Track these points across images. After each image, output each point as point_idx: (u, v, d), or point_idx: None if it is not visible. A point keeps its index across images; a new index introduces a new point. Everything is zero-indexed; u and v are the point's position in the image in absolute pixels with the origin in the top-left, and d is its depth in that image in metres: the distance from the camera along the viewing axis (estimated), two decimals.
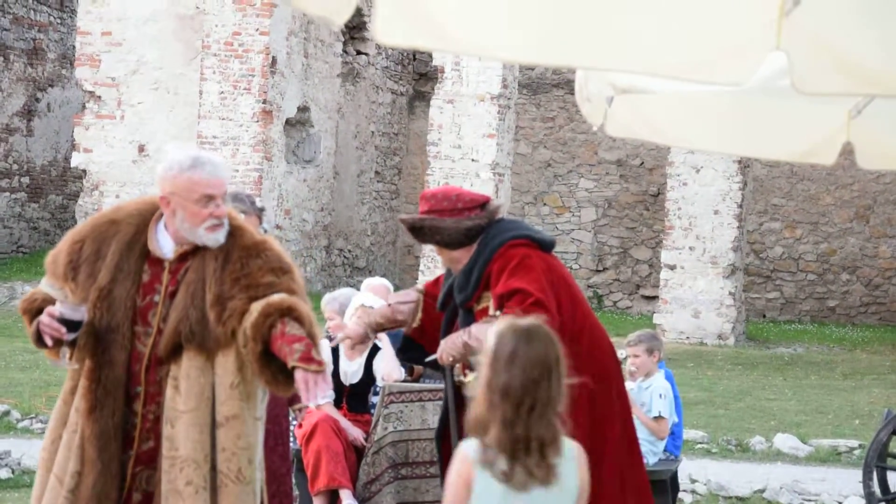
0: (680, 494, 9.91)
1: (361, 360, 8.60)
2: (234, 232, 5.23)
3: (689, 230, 22.42)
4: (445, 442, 6.13)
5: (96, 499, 5.10)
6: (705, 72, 3.80)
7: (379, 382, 8.48)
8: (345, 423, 8.82)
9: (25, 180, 27.42)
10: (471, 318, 5.84)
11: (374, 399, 8.88)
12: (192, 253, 5.21)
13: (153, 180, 24.22)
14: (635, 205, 27.56)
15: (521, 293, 5.57)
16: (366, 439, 8.79)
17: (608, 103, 5.78)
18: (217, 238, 5.18)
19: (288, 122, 23.66)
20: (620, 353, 8.47)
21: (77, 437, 5.14)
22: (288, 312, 4.97)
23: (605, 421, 5.75)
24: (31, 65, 27.45)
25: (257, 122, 22.14)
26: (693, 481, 11.21)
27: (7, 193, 26.91)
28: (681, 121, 5.94)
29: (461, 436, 6.13)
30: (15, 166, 27.21)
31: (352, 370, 8.62)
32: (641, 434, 8.49)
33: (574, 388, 5.59)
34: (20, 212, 27.27)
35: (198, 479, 5.00)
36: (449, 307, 6.08)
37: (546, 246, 5.89)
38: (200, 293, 5.12)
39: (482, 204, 5.95)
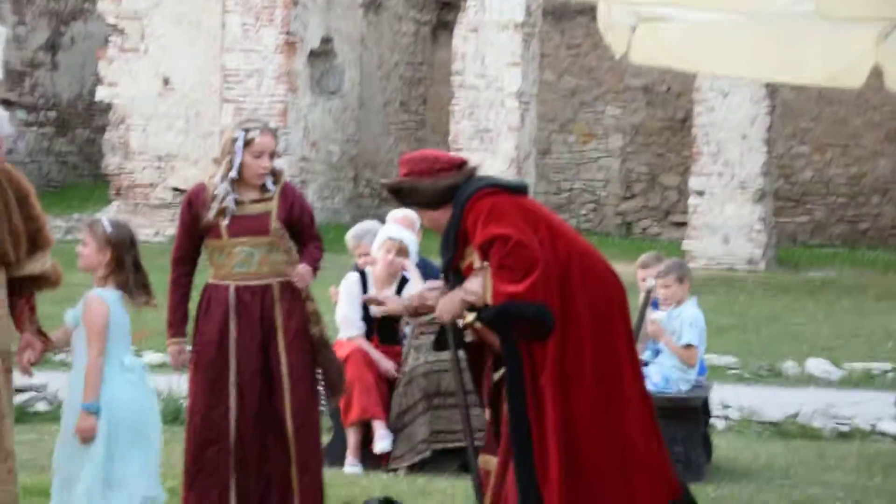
0: (712, 420, 9.90)
1: (391, 292, 8.61)
2: (8, 175, 6.22)
3: (717, 156, 22.29)
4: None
5: None
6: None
7: None
8: (376, 355, 8.85)
9: (52, 115, 27.42)
10: (459, 276, 6.00)
11: (406, 330, 8.91)
12: None
13: (179, 113, 24.09)
14: (663, 131, 27.41)
15: (500, 239, 5.72)
16: (397, 370, 8.82)
17: (631, 31, 5.75)
18: None
19: (311, 53, 23.56)
20: (651, 283, 8.47)
21: None
22: (45, 285, 6.39)
23: (611, 341, 5.82)
24: None
25: (281, 53, 22.06)
26: (725, 407, 11.20)
27: (35, 128, 26.93)
28: (704, 48, 5.91)
29: (467, 392, 6.24)
30: (41, 101, 27.20)
31: None
32: (672, 362, 8.50)
33: (573, 314, 5.68)
34: (48, 146, 27.28)
35: None
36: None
37: (514, 190, 6.04)
38: None
39: (459, 165, 6.12)
